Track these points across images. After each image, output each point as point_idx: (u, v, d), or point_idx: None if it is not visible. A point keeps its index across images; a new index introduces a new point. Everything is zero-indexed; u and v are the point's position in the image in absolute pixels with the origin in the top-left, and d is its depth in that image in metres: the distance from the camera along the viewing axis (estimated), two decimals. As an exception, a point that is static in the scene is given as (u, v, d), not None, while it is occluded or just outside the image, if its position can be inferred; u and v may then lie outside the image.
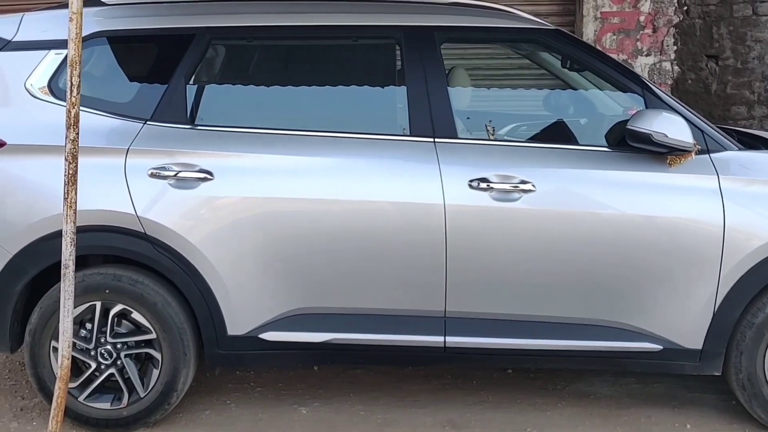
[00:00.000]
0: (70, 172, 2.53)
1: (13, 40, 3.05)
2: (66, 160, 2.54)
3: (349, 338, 2.94)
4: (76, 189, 2.55)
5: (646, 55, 5.09)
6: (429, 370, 3.54)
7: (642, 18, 5.07)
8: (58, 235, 2.83)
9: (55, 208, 2.84)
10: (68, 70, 2.51)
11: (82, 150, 2.78)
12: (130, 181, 2.88)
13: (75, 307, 2.86)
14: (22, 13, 3.12)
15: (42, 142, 2.92)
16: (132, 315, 2.94)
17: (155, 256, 2.90)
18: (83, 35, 2.99)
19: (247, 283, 2.90)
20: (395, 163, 2.90)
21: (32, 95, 2.98)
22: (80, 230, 2.77)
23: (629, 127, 2.77)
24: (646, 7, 5.02)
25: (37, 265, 2.93)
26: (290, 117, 3.06)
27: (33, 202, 2.91)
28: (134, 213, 2.86)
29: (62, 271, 2.60)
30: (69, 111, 2.51)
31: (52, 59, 3.00)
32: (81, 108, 2.92)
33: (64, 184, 2.57)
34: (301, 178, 2.88)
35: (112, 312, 2.94)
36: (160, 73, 2.99)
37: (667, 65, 5.06)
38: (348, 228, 2.87)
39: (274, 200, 2.88)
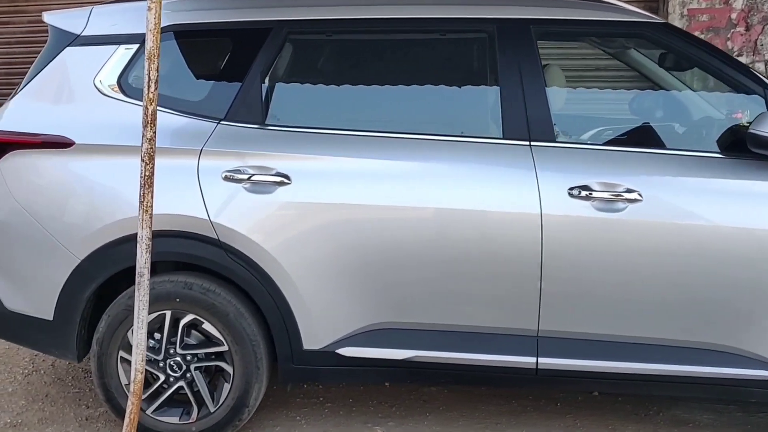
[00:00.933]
0: (146, 174, 2.38)
1: (82, 34, 2.93)
2: (142, 161, 2.40)
3: (432, 356, 2.75)
4: (152, 192, 2.40)
5: (738, 56, 4.72)
6: (509, 390, 3.34)
7: (734, 15, 4.74)
8: (127, 240, 2.74)
9: (124, 212, 2.73)
10: (145, 64, 2.36)
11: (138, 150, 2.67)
12: (203, 185, 2.73)
13: None
14: (90, 7, 2.99)
15: (111, 141, 2.79)
16: (203, 326, 2.80)
17: (228, 263, 2.75)
18: (141, 31, 2.89)
19: (325, 294, 2.73)
20: (486, 169, 2.70)
21: (101, 92, 2.85)
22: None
23: (752, 131, 2.52)
24: (738, 3, 4.69)
25: (106, 271, 2.80)
26: (372, 118, 2.88)
27: (101, 205, 2.77)
28: (207, 218, 2.71)
29: (137, 280, 2.46)
30: (146, 108, 2.36)
31: (122, 54, 2.88)
32: (135, 104, 2.82)
33: (140, 186, 2.42)
34: (384, 184, 2.70)
35: (183, 322, 2.80)
36: (234, 69, 2.84)
37: (760, 66, 4.72)
38: (433, 238, 2.68)
39: (355, 207, 2.70)
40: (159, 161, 2.66)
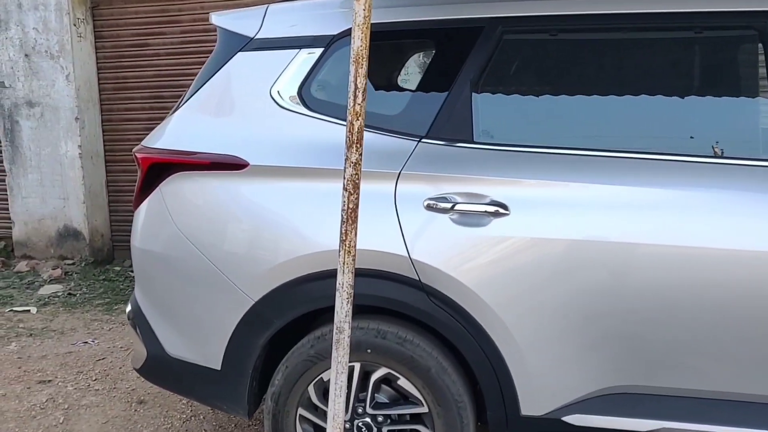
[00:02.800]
0: (350, 206, 1.96)
1: (256, 37, 2.55)
2: (345, 189, 1.98)
3: (687, 428, 2.24)
4: (356, 229, 1.99)
5: None
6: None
7: None
8: (311, 279, 2.35)
9: (308, 246, 2.34)
10: (351, 69, 1.94)
11: (335, 174, 2.28)
12: (402, 215, 2.30)
13: (324, 369, 2.37)
14: (266, 6, 2.62)
15: (292, 163, 2.39)
16: (398, 382, 2.37)
17: (431, 309, 2.31)
18: (334, 32, 2.49)
19: (551, 350, 2.25)
20: (759, 198, 2.17)
21: (279, 105, 2.46)
22: (327, 275, 2.29)
23: None
24: None
25: (285, 316, 2.41)
26: (608, 134, 2.38)
27: (280, 238, 2.38)
28: (407, 255, 2.28)
29: (335, 337, 2.05)
30: (351, 125, 1.94)
31: (303, 60, 2.48)
32: (332, 121, 2.43)
33: (342, 221, 2.00)
34: (627, 216, 2.19)
35: (374, 377, 2.37)
36: (437, 77, 2.40)
37: None
38: (691, 284, 2.15)
39: (591, 244, 2.20)
40: (328, 185, 2.32)
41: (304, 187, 2.37)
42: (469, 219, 2.26)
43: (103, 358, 4.12)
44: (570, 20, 2.34)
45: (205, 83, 2.59)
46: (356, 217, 1.98)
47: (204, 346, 2.51)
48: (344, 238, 1.98)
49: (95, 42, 6.63)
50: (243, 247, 2.43)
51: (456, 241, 2.27)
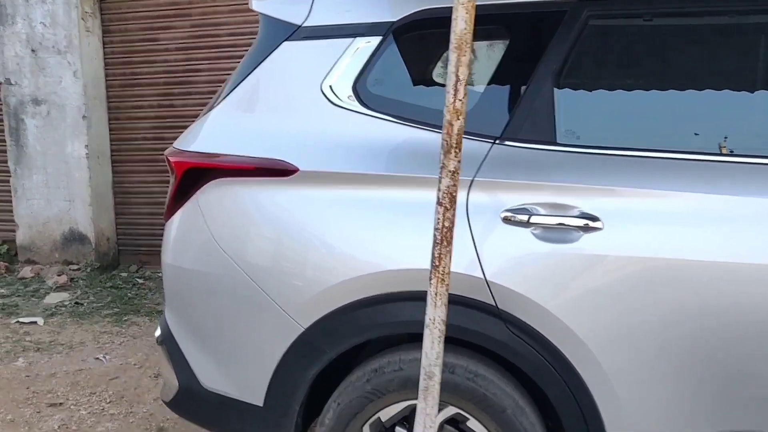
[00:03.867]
0: (445, 224, 1.66)
1: (304, 25, 2.25)
2: (439, 204, 1.68)
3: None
4: (451, 252, 1.69)
5: None
6: None
7: None
8: (371, 303, 2.05)
9: (370, 265, 2.04)
10: (451, 57, 1.64)
11: (395, 180, 1.99)
12: (475, 228, 1.99)
13: (382, 407, 2.08)
14: (314, -10, 2.32)
15: (348, 168, 2.09)
16: (467, 423, 2.07)
17: (508, 340, 2.01)
18: (395, 18, 2.19)
19: (651, 390, 1.94)
20: None
21: (331, 102, 2.16)
22: (391, 298, 2.02)
23: None
24: None
25: (339, 345, 2.10)
26: (722, 134, 2.08)
27: (335, 256, 2.07)
28: (482, 276, 1.97)
29: (422, 383, 1.75)
30: (449, 125, 1.64)
31: (359, 50, 2.18)
32: (392, 120, 2.13)
33: (435, 243, 1.70)
34: (744, 232, 1.89)
35: (440, 418, 2.08)
36: (512, 69, 2.10)
37: None
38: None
39: (705, 265, 1.89)
40: (407, 194, 2.02)
41: (362, 197, 2.07)
42: (554, 234, 1.96)
43: (117, 377, 3.82)
44: (670, 3, 2.04)
45: (245, 77, 2.28)
46: (452, 237, 1.69)
47: (245, 378, 2.21)
48: (437, 263, 1.68)
49: (103, 37, 6.33)
50: (291, 265, 2.12)
51: (539, 260, 1.97)
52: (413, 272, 1.98)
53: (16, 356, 4.18)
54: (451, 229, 1.65)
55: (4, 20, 6.16)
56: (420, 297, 1.98)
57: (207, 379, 2.28)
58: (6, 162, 6.44)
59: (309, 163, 2.12)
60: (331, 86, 2.17)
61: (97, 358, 4.14)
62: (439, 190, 1.66)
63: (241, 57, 5.91)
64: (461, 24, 1.56)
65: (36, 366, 4.04)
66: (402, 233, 2.01)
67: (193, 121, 2.53)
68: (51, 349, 4.30)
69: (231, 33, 5.99)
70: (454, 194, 1.64)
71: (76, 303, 5.33)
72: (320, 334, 2.10)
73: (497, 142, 2.05)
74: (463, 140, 2.05)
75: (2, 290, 5.67)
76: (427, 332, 1.71)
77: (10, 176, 6.39)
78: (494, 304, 1.99)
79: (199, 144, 2.27)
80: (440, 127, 2.05)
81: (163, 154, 2.48)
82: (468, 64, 1.59)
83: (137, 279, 6.00)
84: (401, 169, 2.05)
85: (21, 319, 4.90)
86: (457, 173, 1.64)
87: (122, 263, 6.53)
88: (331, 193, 2.10)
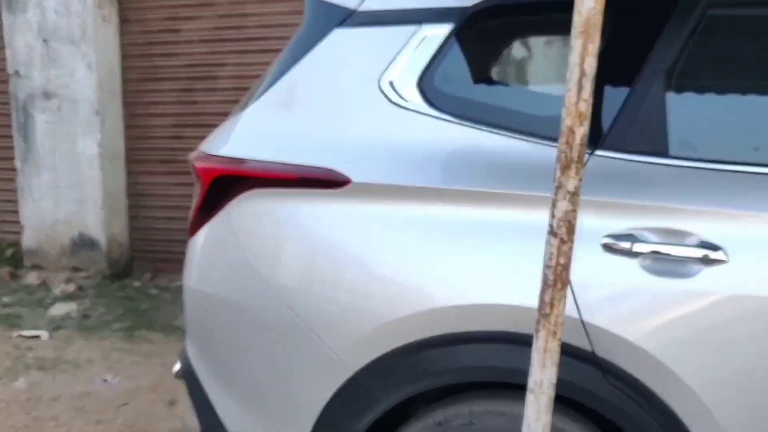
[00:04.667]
0: (560, 261, 1.34)
1: (360, 9, 1.94)
2: (553, 234, 1.37)
3: None
4: (565, 296, 1.38)
5: None
6: None
7: None
8: (441, 343, 1.76)
9: (441, 298, 1.73)
10: (575, 45, 1.32)
11: (476, 197, 1.70)
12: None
13: None
14: (370, -31, 2.02)
15: (411, 181, 1.79)
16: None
17: (606, 393, 1.69)
18: (468, 3, 1.89)
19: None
20: None
21: (391, 101, 1.85)
22: (467, 338, 1.74)
23: None
24: None
25: (398, 393, 1.79)
26: None
27: (395, 285, 1.76)
28: (576, 315, 1.67)
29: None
30: (569, 133, 1.32)
31: (425, 40, 1.86)
32: (466, 124, 1.83)
33: (545, 284, 1.39)
34: None
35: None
36: (613, 67, 1.80)
37: None
38: None
39: None
40: (490, 215, 1.73)
41: (432, 216, 1.76)
42: (668, 266, 1.65)
43: (127, 403, 3.54)
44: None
45: (287, 71, 1.98)
46: (567, 278, 1.37)
47: (281, 426, 1.91)
48: (548, 310, 1.37)
49: (120, 27, 6.08)
50: (340, 294, 1.82)
51: (648, 298, 1.66)
52: (499, 308, 1.69)
53: (17, 375, 3.92)
54: (567, 267, 1.35)
55: (15, 7, 5.92)
56: (505, 339, 1.70)
57: (234, 425, 1.98)
58: (12, 159, 6.20)
59: (364, 174, 1.82)
60: (391, 82, 1.87)
61: (105, 380, 3.86)
62: (552, 216, 1.35)
63: (270, 51, 5.65)
64: (589, 3, 1.25)
65: (38, 387, 3.76)
66: (486, 261, 1.71)
67: (217, 120, 2.25)
68: (55, 368, 4.03)
69: (260, 25, 5.71)
70: (573, 222, 1.33)
71: (84, 315, 5.06)
72: (375, 378, 1.79)
73: (595, 152, 1.74)
74: (547, 147, 1.77)
75: (5, 298, 5.42)
76: (531, 398, 1.40)
77: (16, 174, 6.15)
78: (590, 350, 1.68)
79: (231, 148, 1.97)
80: (533, 135, 1.77)
81: (183, 155, 2.20)
82: (596, 53, 1.28)
83: (152, 289, 5.73)
84: (482, 183, 1.74)
85: (24, 333, 4.64)
86: (578, 195, 1.33)
87: (135, 271, 6.26)
88: (391, 210, 1.79)
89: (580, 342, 1.68)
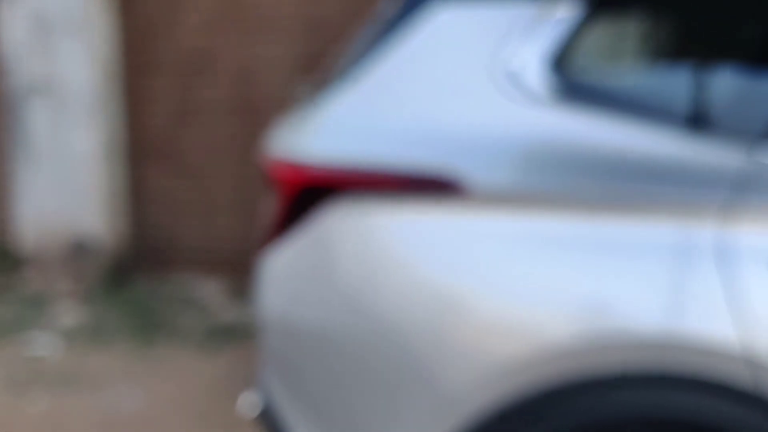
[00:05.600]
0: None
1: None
2: None
3: None
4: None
5: None
6: None
7: None
8: (597, 384, 1.51)
9: (585, 332, 1.50)
10: None
11: (638, 208, 1.46)
12: (728, 280, 1.45)
13: None
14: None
15: (547, 186, 1.55)
16: None
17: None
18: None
19: None
20: None
21: (519, 91, 1.60)
22: (605, 382, 1.50)
23: None
24: None
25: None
26: None
27: (530, 314, 1.53)
28: (737, 347, 1.43)
29: None
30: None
31: (553, 17, 1.61)
32: (618, 121, 1.58)
33: None
34: None
35: None
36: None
37: None
38: None
39: None
40: (618, 227, 1.48)
41: (583, 231, 1.51)
42: None
43: (151, 424, 3.29)
44: None
45: (380, 54, 1.71)
46: None
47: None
48: None
49: (121, 15, 5.77)
50: (460, 325, 1.57)
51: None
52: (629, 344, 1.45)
53: (19, 395, 3.64)
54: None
55: (8, -4, 5.59)
56: (638, 380, 1.46)
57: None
58: (5, 156, 5.87)
59: (491, 179, 1.57)
60: (516, 69, 1.61)
61: (124, 397, 3.59)
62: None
63: (281, 38, 5.38)
64: None
65: (44, 409, 3.50)
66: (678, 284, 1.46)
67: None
68: (64, 386, 3.75)
69: (270, 10, 5.43)
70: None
71: (93, 324, 4.78)
72: (503, 425, 1.54)
73: (755, 152, 1.49)
74: (697, 145, 1.52)
75: (2, 307, 5.12)
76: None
77: (10, 173, 5.83)
78: (752, 388, 1.44)
79: (320, 148, 1.70)
80: (649, 125, 1.52)
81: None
82: None
83: (160, 292, 5.46)
84: (641, 193, 1.49)
85: (24, 345, 4.37)
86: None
87: (140, 273, 5.97)
88: (526, 224, 1.54)
89: (740, 378, 1.46)
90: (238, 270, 5.74)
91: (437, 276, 1.58)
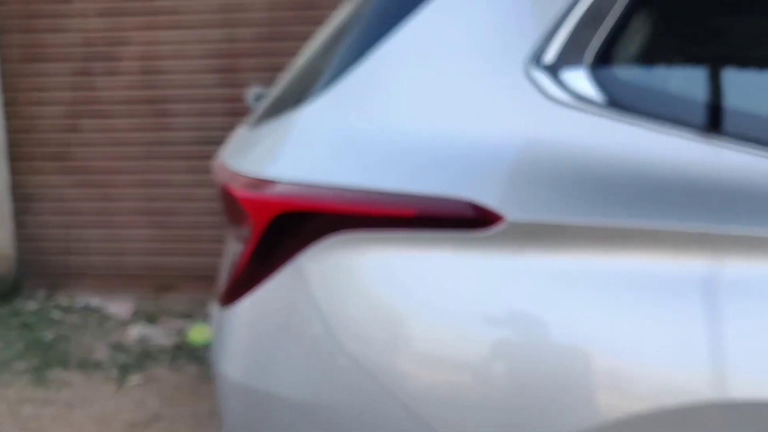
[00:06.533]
0: None
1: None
2: None
3: None
4: None
5: None
6: None
7: None
8: None
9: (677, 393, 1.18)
10: None
11: (715, 242, 1.17)
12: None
13: None
14: None
15: (608, 220, 1.21)
16: None
17: None
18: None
19: None
20: None
21: (550, 96, 1.25)
22: None
23: None
24: None
25: None
26: None
27: (596, 377, 1.18)
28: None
29: None
30: None
31: (593, 6, 1.30)
32: (681, 134, 1.27)
33: None
34: None
35: None
36: None
37: None
38: None
39: None
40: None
41: (640, 270, 1.20)
42: None
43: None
44: None
45: (373, 49, 1.34)
46: None
47: None
48: None
49: (-3, -5, 5.12)
50: (500, 393, 1.22)
51: None
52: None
53: None
54: None
55: None
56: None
57: None
58: None
59: (523, 208, 1.22)
60: (546, 68, 1.28)
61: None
62: None
63: (186, 27, 4.91)
64: None
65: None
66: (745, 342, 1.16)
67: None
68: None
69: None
70: None
71: (-27, 353, 4.17)
72: None
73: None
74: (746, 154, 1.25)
75: None
76: None
77: None
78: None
79: (297, 167, 1.32)
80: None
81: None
82: None
83: (52, 311, 4.87)
84: (722, 218, 1.19)
85: None
86: None
87: (26, 289, 5.34)
88: (576, 261, 1.21)
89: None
90: (146, 286, 5.23)
91: (467, 328, 1.21)
